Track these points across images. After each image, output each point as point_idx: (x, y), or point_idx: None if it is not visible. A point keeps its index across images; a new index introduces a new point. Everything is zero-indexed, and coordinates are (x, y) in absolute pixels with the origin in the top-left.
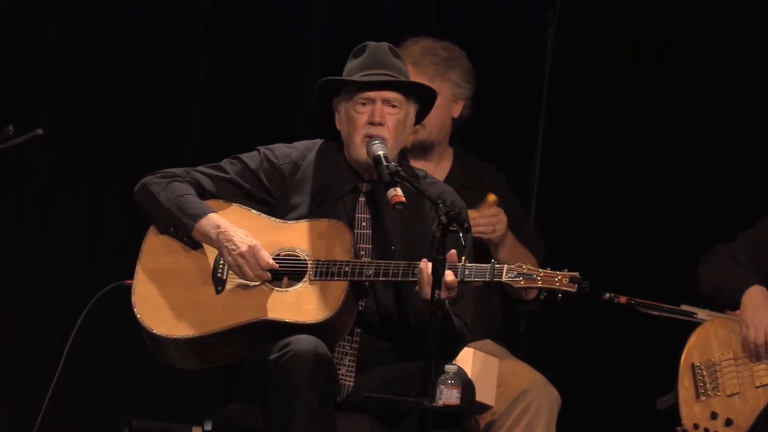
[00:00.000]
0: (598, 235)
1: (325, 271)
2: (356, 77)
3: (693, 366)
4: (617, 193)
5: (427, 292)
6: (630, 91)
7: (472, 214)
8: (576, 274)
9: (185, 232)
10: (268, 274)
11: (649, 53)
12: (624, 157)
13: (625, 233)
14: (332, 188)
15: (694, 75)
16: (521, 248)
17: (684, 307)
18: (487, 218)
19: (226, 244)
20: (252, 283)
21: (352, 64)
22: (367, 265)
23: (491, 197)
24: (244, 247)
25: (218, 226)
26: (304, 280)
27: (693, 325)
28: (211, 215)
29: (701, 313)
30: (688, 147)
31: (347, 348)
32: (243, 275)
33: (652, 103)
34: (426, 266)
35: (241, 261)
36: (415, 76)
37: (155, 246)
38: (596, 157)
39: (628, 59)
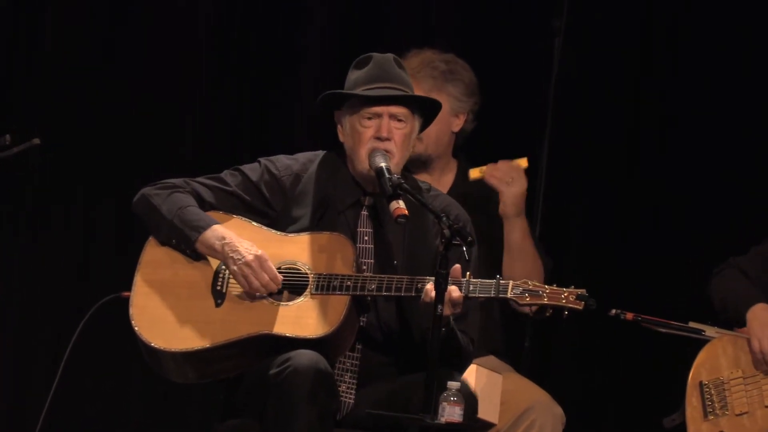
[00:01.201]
0: (605, 249)
1: (326, 285)
2: (361, 90)
3: (701, 384)
4: (625, 206)
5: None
6: (639, 100)
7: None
8: (583, 291)
9: (188, 245)
10: (274, 286)
11: (660, 62)
12: (632, 170)
13: (633, 247)
14: (334, 201)
15: (705, 81)
16: (532, 248)
17: (692, 324)
18: (508, 167)
19: (231, 254)
20: (252, 296)
21: (356, 75)
22: (370, 280)
23: (524, 161)
24: (250, 257)
25: (223, 238)
26: (305, 293)
27: (701, 342)
28: (215, 227)
29: (710, 331)
30: (698, 160)
31: (348, 364)
32: (249, 285)
33: (663, 112)
34: (432, 288)
35: (248, 271)
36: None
37: (154, 257)
38: (603, 168)
39: (637, 68)
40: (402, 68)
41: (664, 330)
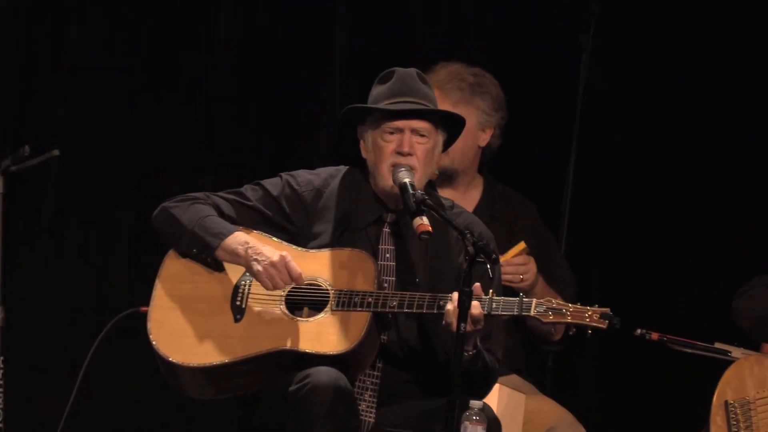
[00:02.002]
0: (630, 269)
1: (347, 302)
2: (383, 105)
3: (726, 404)
4: (651, 223)
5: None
6: (666, 118)
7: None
8: (607, 309)
9: (209, 252)
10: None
11: (687, 78)
12: (660, 188)
13: (660, 267)
14: (356, 218)
15: (733, 94)
16: (551, 293)
17: (718, 345)
18: (515, 266)
19: (255, 256)
20: (272, 312)
21: (378, 90)
22: (391, 297)
23: (521, 245)
24: (275, 258)
25: (246, 243)
26: (325, 309)
27: (726, 362)
28: (237, 233)
29: (735, 351)
30: (726, 176)
31: (368, 383)
32: (274, 286)
33: (692, 130)
34: (454, 306)
35: (273, 271)
36: (439, 101)
37: (173, 272)
38: (630, 187)
39: (664, 86)
40: (426, 83)
41: (689, 350)
